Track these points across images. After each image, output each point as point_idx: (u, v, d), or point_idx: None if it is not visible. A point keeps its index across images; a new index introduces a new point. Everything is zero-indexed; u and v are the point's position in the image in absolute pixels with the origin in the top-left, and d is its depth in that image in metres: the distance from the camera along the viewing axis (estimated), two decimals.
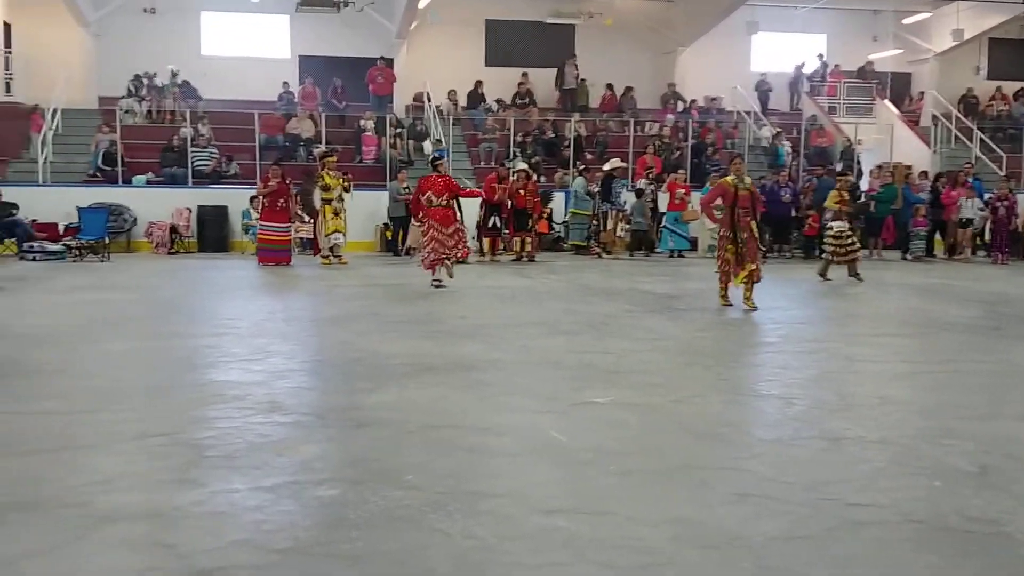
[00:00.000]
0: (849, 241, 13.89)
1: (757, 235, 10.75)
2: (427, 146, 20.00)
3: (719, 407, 6.02)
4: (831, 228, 14.20)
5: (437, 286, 12.24)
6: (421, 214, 12.65)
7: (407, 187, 17.85)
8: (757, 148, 23.06)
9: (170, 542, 3.64)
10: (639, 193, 18.59)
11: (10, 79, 21.68)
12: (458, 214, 12.61)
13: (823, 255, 14.44)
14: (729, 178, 10.64)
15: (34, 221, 17.32)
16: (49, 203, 17.70)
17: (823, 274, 13.84)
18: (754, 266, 10.41)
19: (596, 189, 18.04)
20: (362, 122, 21.00)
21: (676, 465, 4.73)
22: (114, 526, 3.81)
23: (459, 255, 12.72)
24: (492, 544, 3.67)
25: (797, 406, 6.04)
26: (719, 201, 10.72)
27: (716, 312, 10.86)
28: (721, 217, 10.65)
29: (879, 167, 20.28)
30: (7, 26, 22.40)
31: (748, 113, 23.43)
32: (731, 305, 10.57)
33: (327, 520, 3.92)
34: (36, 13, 22.39)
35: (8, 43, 22.41)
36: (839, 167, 20.39)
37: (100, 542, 3.64)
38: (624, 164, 19.19)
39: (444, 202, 12.36)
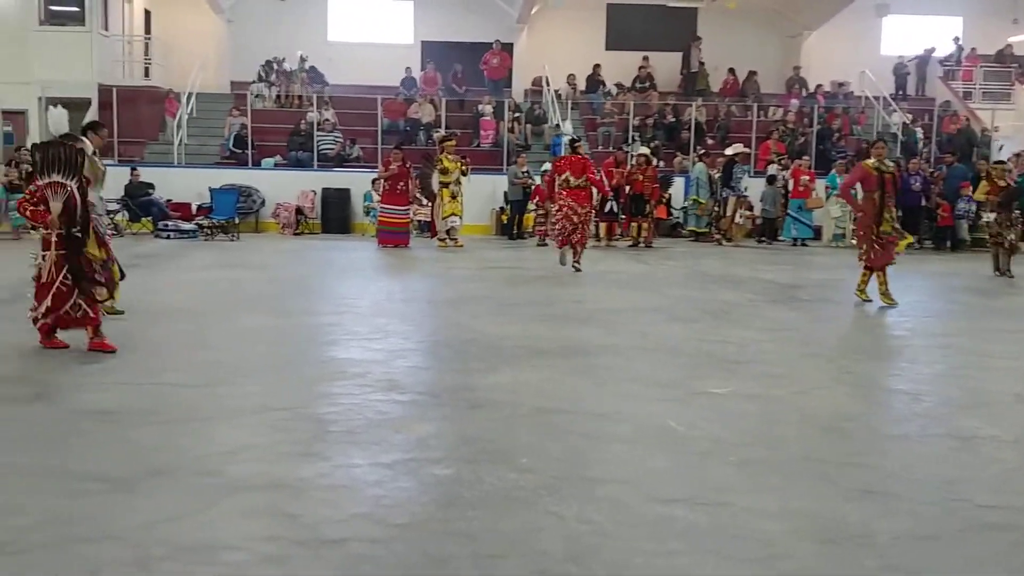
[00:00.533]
0: (1006, 233, 12.86)
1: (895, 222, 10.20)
2: (567, 127, 19.94)
3: (842, 400, 5.85)
4: (985, 220, 13.45)
5: (577, 270, 12.51)
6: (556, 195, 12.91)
7: (526, 171, 17.91)
8: (886, 134, 22.24)
9: (294, 512, 3.76)
10: (770, 180, 18.20)
11: (149, 64, 22.58)
12: (593, 196, 13.08)
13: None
14: (870, 161, 10.04)
15: (169, 201, 18.04)
16: (183, 184, 18.40)
17: (998, 269, 12.91)
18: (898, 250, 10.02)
19: (717, 175, 17.73)
20: (480, 107, 21.13)
21: (797, 457, 4.62)
22: (242, 495, 3.95)
23: (578, 239, 12.78)
24: (607, 530, 3.66)
25: (925, 402, 5.82)
26: (859, 186, 10.26)
27: (840, 303, 10.55)
28: (863, 203, 10.12)
29: (1017, 155, 19.30)
30: (147, 13, 23.34)
31: (877, 98, 22.61)
32: (869, 300, 9.93)
33: (443, 498, 3.97)
34: (174, 1, 23.27)
35: (148, 29, 23.35)
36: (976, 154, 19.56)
37: (229, 510, 3.79)
38: (746, 150, 18.79)
39: (582, 183, 12.66)
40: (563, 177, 12.74)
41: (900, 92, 24.05)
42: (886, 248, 9.92)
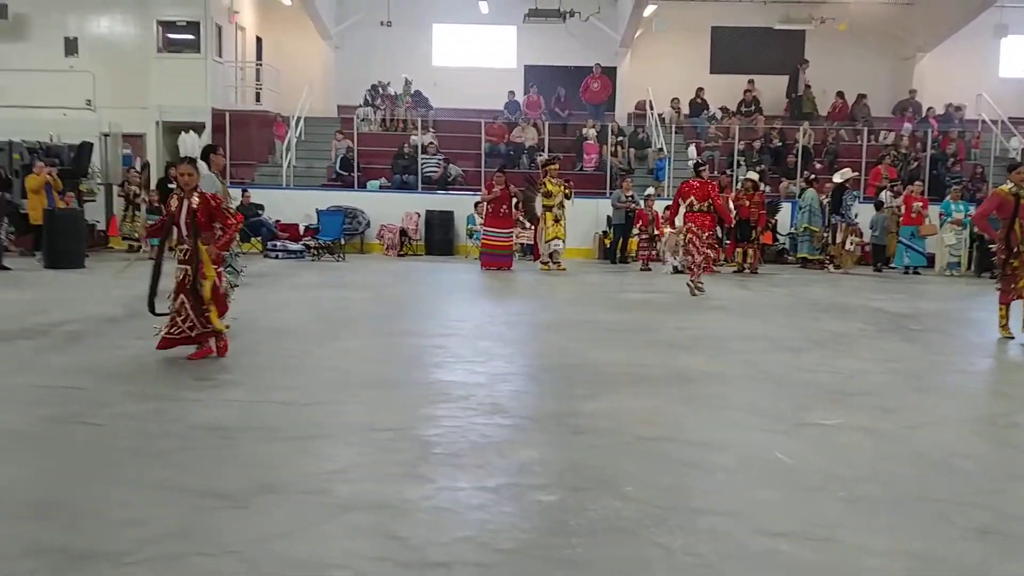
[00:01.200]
0: None
1: None
2: (691, 151, 19.89)
3: (959, 437, 5.64)
4: None
5: (699, 291, 12.64)
6: (683, 219, 13.16)
7: (631, 195, 17.87)
8: (1004, 159, 21.46)
9: (401, 534, 3.80)
10: (878, 205, 17.80)
11: (260, 89, 23.35)
12: (718, 223, 13.32)
13: None
14: (1007, 187, 9.43)
15: (278, 221, 18.57)
16: (291, 205, 18.96)
17: None
18: None
19: (827, 200, 17.37)
20: (584, 130, 21.18)
21: (910, 495, 4.47)
22: (350, 514, 4.02)
23: (704, 265, 12.99)
24: (713, 562, 3.60)
25: None
26: (995, 214, 9.58)
27: (955, 335, 10.21)
28: (1000, 232, 9.47)
29: None
30: (259, 40, 24.16)
31: (995, 122, 21.85)
32: (1012, 338, 9.29)
33: (548, 525, 3.97)
34: (284, 27, 24.04)
35: (259, 56, 24.16)
36: None
37: (338, 528, 3.86)
38: (855, 175, 18.39)
39: (704, 207, 12.84)
40: (687, 202, 12.95)
41: None
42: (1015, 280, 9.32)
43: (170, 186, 8.97)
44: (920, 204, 17.44)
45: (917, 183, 18.32)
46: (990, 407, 6.45)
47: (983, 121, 22.34)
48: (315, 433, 5.33)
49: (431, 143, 20.58)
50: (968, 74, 23.45)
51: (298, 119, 21.10)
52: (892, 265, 17.67)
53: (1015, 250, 9.30)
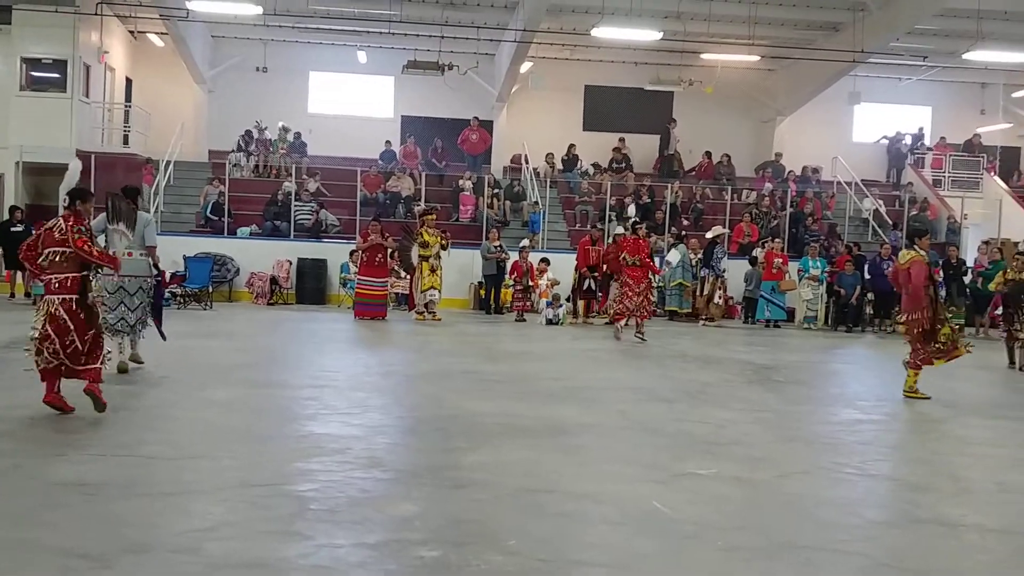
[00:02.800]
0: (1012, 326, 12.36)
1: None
2: (631, 210, 20.24)
3: (826, 485, 5.83)
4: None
5: (641, 339, 13.64)
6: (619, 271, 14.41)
7: (499, 245, 18.02)
8: (857, 219, 22.65)
9: None
10: (752, 261, 18.50)
11: (128, 131, 22.67)
12: (650, 276, 14.56)
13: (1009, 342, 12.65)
14: (921, 254, 9.37)
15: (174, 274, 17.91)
16: (158, 251, 18.29)
17: (1013, 362, 12.40)
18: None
19: (696, 257, 17.93)
20: (461, 181, 21.32)
21: (782, 544, 4.58)
22: (222, 574, 3.85)
23: (642, 315, 14.00)
24: None
25: (909, 488, 5.81)
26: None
27: (815, 386, 10.62)
28: (924, 298, 9.33)
29: (987, 243, 19.69)
30: (128, 81, 23.51)
31: (849, 184, 23.06)
32: (928, 398, 9.26)
33: None
34: (155, 69, 23.48)
35: (128, 97, 23.49)
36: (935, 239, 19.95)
37: None
38: (727, 231, 19.09)
39: (636, 261, 14.00)
40: (622, 256, 14.19)
41: (893, 171, 24.72)
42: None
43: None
44: (780, 260, 18.16)
45: (777, 240, 19.10)
46: (852, 455, 6.68)
47: (838, 182, 23.55)
48: (184, 489, 5.11)
49: (307, 190, 20.35)
50: (824, 138, 24.72)
51: (168, 163, 20.54)
52: (756, 318, 18.31)
53: (940, 316, 9.37)
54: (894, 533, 4.89)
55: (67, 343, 6.78)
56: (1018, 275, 12.61)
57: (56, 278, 6.88)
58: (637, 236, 14.46)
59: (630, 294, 13.88)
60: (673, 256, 18.28)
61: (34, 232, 7.43)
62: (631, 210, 20.34)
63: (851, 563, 4.32)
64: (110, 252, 7.45)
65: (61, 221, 6.93)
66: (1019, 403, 9.79)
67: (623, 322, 13.94)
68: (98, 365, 6.95)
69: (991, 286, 13.10)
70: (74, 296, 6.88)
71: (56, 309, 6.81)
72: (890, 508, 5.40)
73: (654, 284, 15.55)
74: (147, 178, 20.22)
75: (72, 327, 6.80)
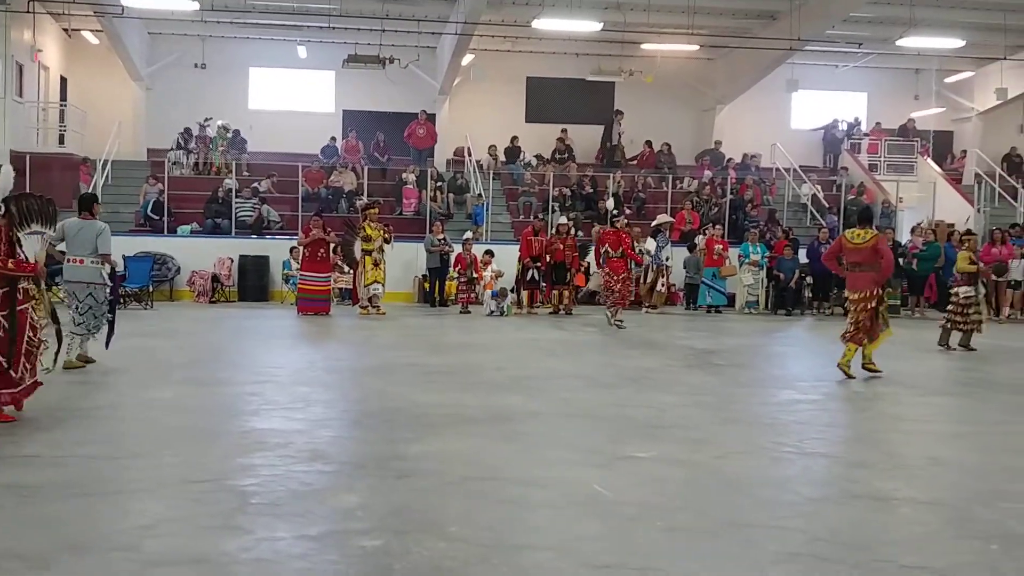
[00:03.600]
0: (973, 310, 12.39)
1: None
2: (611, 203, 20.25)
3: (764, 464, 5.94)
4: (957, 294, 12.49)
5: (620, 327, 14.22)
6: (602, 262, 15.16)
7: (443, 238, 18.00)
8: (796, 205, 23.01)
9: None
10: (692, 248, 18.71)
11: (63, 131, 22.22)
12: (630, 265, 15.40)
13: (944, 323, 12.72)
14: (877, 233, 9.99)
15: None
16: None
17: (945, 343, 12.47)
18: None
19: (644, 245, 18.07)
20: (404, 175, 21.24)
21: (723, 523, 4.66)
22: (162, 570, 3.82)
23: (623, 303, 14.77)
24: None
25: (845, 465, 5.95)
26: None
27: (755, 368, 10.79)
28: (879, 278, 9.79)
29: (920, 225, 20.14)
30: (63, 80, 23.04)
31: (787, 170, 23.42)
32: (853, 378, 9.54)
33: (372, 571, 3.90)
34: (91, 67, 23.06)
35: (64, 96, 23.03)
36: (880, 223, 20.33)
37: None
38: (671, 219, 19.27)
39: (618, 254, 14.75)
40: (604, 248, 14.91)
41: (829, 157, 25.18)
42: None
43: None
44: (721, 247, 18.40)
45: (717, 227, 19.34)
46: (789, 434, 6.82)
47: (777, 169, 23.89)
48: (123, 488, 5.05)
49: (252, 186, 20.14)
50: (763, 125, 25.06)
51: (105, 162, 20.18)
52: (697, 304, 18.53)
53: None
54: (831, 508, 5.00)
55: None
56: (971, 257, 12.68)
57: None
58: (616, 228, 15.30)
59: (612, 284, 14.68)
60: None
61: None
62: (610, 203, 20.38)
63: (790, 539, 4.41)
64: (26, 257, 6.99)
65: None
66: (952, 380, 10.05)
67: (615, 311, 14.58)
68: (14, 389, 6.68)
69: (961, 267, 12.73)
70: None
71: None
72: (827, 485, 5.52)
73: (633, 274, 16.31)
74: (84, 178, 19.86)
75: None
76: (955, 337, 12.51)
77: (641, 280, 18.11)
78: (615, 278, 14.72)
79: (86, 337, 9.35)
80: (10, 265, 6.70)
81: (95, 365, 9.23)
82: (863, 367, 9.69)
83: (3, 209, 6.92)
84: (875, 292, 9.67)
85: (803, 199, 22.83)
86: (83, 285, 9.24)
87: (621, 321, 14.46)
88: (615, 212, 15.77)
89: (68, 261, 9.27)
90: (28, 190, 17.78)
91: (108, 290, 9.53)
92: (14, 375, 6.66)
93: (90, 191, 18.91)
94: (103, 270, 9.36)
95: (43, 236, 7.27)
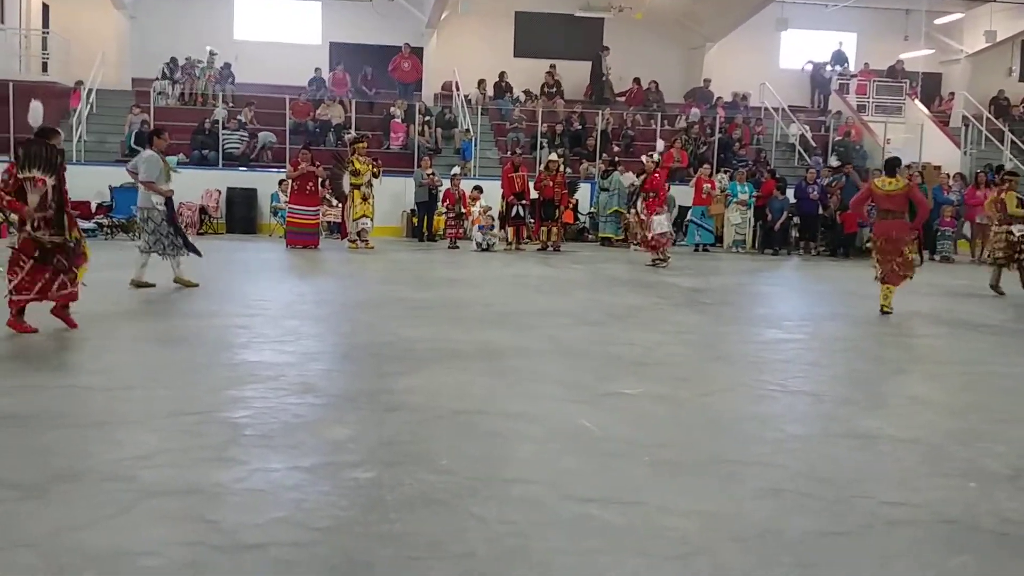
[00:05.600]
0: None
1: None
2: (660, 146, 19.96)
3: (748, 402, 6.03)
4: (1011, 233, 12.32)
5: (659, 263, 14.49)
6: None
7: (431, 172, 17.94)
8: (784, 144, 22.98)
9: (212, 518, 3.71)
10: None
11: (47, 59, 21.86)
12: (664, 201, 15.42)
13: (994, 262, 12.72)
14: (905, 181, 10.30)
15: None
16: (82, 181, 17.77)
17: (995, 285, 12.44)
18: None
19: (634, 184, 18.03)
20: (392, 109, 21.07)
21: (706, 458, 4.75)
22: (157, 500, 3.88)
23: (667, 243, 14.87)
24: (527, 530, 3.72)
25: (827, 403, 6.05)
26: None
27: (742, 307, 10.88)
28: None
29: (908, 167, 20.14)
30: (45, 7, 22.61)
31: (776, 109, 23.34)
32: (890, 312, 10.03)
33: (364, 501, 3.97)
34: None
35: (46, 23, 22.61)
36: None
37: (144, 515, 3.72)
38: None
39: (653, 195, 14.83)
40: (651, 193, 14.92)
41: (818, 94, 25.07)
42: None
43: None
44: (709, 185, 18.40)
45: (706, 166, 19.32)
46: (773, 373, 6.92)
47: (765, 109, 23.81)
48: (116, 419, 5.10)
49: (237, 119, 19.93)
50: (752, 64, 24.91)
51: (89, 91, 19.90)
52: (683, 243, 18.58)
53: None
54: (812, 445, 5.10)
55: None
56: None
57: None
58: (656, 169, 15.19)
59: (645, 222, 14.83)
60: (611, 183, 18.40)
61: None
62: (660, 145, 20.12)
63: (772, 475, 4.50)
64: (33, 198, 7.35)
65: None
66: (933, 320, 10.16)
67: (658, 251, 14.64)
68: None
69: (1013, 211, 12.43)
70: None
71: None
72: (808, 422, 5.62)
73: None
74: (75, 102, 19.62)
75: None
76: (995, 275, 12.56)
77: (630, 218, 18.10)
78: (643, 220, 14.90)
79: (172, 261, 10.39)
80: (4, 202, 7.29)
81: (83, 299, 9.20)
82: (881, 307, 10.07)
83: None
84: (911, 236, 10.23)
85: (791, 139, 22.79)
86: (139, 210, 10.47)
87: (659, 259, 14.53)
88: (657, 155, 15.85)
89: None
90: (12, 118, 17.66)
91: (164, 214, 10.30)
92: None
93: (74, 120, 18.74)
94: (152, 195, 10.26)
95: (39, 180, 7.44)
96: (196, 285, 10.37)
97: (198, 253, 10.66)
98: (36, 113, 8.88)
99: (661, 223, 14.74)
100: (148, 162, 10.33)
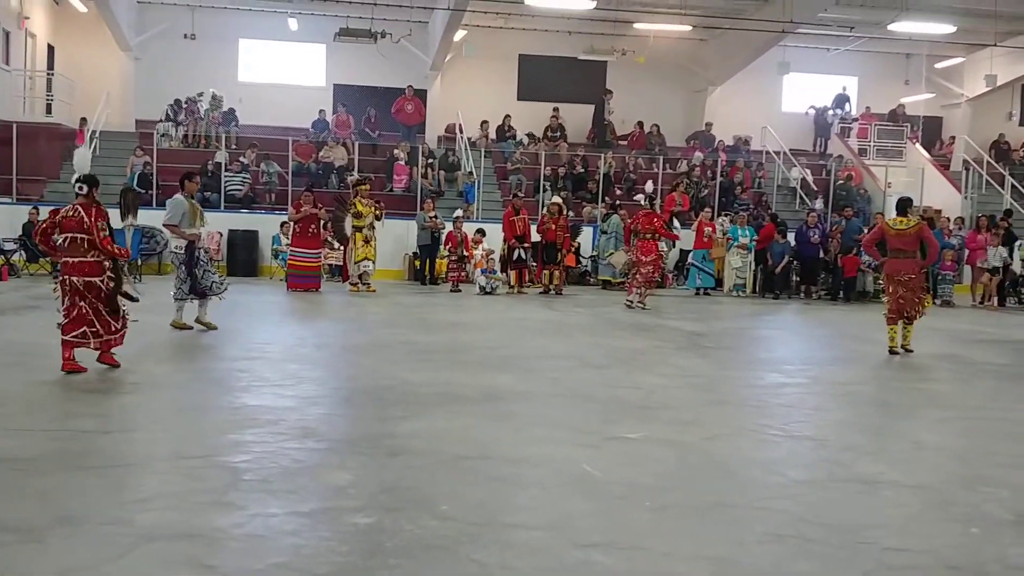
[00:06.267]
0: None
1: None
2: (648, 187, 20.07)
3: (751, 446, 6.01)
4: None
5: (629, 306, 14.39)
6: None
7: (434, 215, 17.99)
8: (785, 188, 23.07)
9: (211, 563, 3.69)
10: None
11: (51, 100, 22.06)
12: (660, 246, 15.24)
13: None
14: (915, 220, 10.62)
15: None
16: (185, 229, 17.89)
17: None
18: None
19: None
20: (395, 151, 21.19)
21: (710, 503, 4.73)
22: (155, 544, 3.86)
23: (650, 283, 14.87)
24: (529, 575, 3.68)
25: (830, 448, 6.02)
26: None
27: (742, 351, 10.87)
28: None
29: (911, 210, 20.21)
30: (51, 48, 22.85)
31: (778, 153, 23.46)
32: (899, 353, 10.39)
33: (364, 547, 3.94)
34: (79, 36, 22.85)
35: (51, 65, 22.84)
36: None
37: (143, 559, 3.70)
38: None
39: (649, 235, 14.76)
40: (635, 227, 15.11)
41: (820, 139, 25.24)
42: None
43: None
44: (711, 229, 18.45)
45: (707, 209, 19.38)
46: (777, 417, 6.89)
47: (767, 152, 23.93)
48: (116, 462, 5.09)
49: (239, 160, 20.04)
50: (754, 107, 25.09)
51: (93, 132, 20.04)
52: (684, 286, 18.59)
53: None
54: (815, 490, 5.07)
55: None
56: None
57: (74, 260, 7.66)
58: (652, 210, 15.44)
59: (640, 263, 14.71)
60: (609, 226, 18.46)
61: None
62: (648, 186, 20.26)
63: (775, 519, 4.48)
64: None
65: (82, 211, 7.68)
66: (939, 368, 10.14)
67: (635, 292, 14.71)
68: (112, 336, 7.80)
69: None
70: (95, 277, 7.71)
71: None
72: (812, 467, 5.59)
73: (664, 255, 16.30)
74: (80, 139, 19.75)
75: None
76: None
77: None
78: (644, 259, 14.73)
79: (181, 303, 10.48)
80: (116, 248, 7.94)
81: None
82: (902, 346, 10.41)
83: (86, 189, 7.85)
84: (921, 276, 10.51)
85: (792, 183, 22.90)
86: (171, 254, 10.81)
87: (644, 303, 14.50)
88: (651, 196, 16.38)
89: None
90: (15, 160, 17.80)
91: (183, 258, 10.46)
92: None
93: (77, 161, 18.81)
94: (175, 240, 10.53)
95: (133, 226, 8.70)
96: (215, 328, 10.40)
97: (205, 296, 10.67)
98: (83, 160, 9.48)
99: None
100: (172, 205, 10.48)
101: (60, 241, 7.66)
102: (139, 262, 17.13)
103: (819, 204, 21.16)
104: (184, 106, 21.71)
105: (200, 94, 21.68)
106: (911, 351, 10.40)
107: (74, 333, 7.54)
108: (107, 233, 7.79)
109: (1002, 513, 4.70)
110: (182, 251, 10.45)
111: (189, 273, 10.45)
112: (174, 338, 9.96)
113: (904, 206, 10.65)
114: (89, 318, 7.59)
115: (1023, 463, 5.84)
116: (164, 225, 10.57)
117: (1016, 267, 18.38)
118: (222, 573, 3.60)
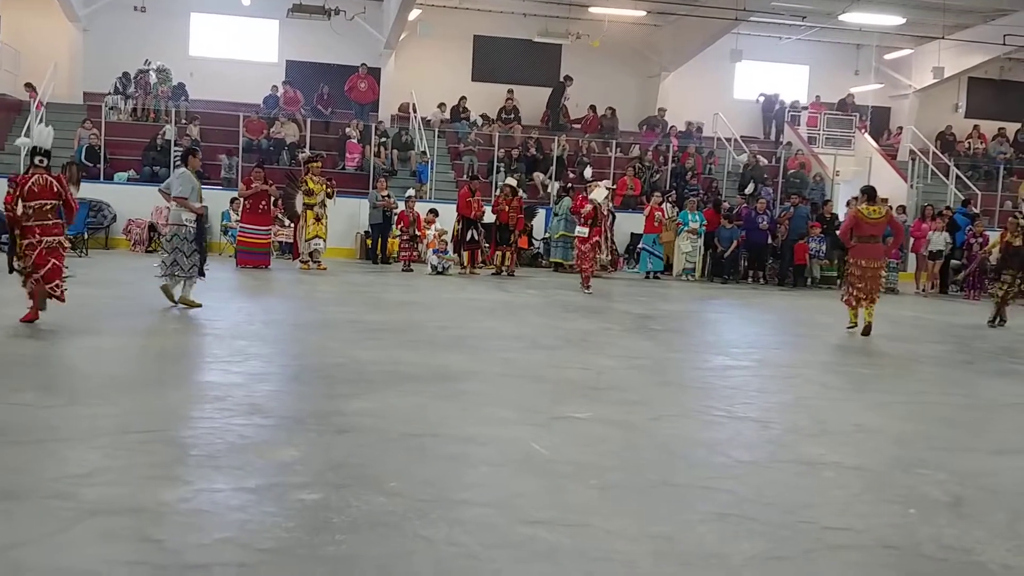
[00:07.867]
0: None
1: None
2: (588, 172, 19.94)
3: (696, 427, 6.10)
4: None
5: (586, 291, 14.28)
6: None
7: (387, 194, 17.88)
8: (735, 174, 23.28)
9: (156, 537, 3.66)
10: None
11: None
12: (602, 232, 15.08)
13: (997, 297, 13.02)
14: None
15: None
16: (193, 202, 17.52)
17: (999, 318, 12.81)
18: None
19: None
20: (347, 129, 21.02)
21: (655, 482, 4.79)
22: (100, 519, 3.82)
23: (585, 267, 14.57)
24: (475, 552, 3.72)
25: (773, 430, 6.13)
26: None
27: (690, 334, 10.99)
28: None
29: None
30: None
31: (728, 140, 23.67)
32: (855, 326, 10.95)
33: (310, 523, 3.94)
34: (25, 5, 22.26)
35: None
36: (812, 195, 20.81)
37: (87, 533, 3.66)
38: (613, 187, 19.28)
39: (590, 222, 14.50)
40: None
41: (771, 128, 25.49)
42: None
43: None
44: (661, 214, 18.57)
45: (657, 194, 19.51)
46: (722, 399, 6.99)
47: (718, 138, 24.13)
48: (58, 436, 5.02)
49: (188, 136, 19.71)
50: (707, 94, 25.23)
51: (40, 104, 19.59)
52: (635, 270, 18.73)
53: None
54: (758, 471, 5.16)
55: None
56: (1013, 240, 13.03)
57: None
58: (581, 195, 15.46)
59: (582, 250, 14.64)
60: (560, 208, 18.50)
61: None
62: (588, 172, 20.04)
63: (718, 499, 4.55)
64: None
65: (51, 178, 8.60)
66: (881, 353, 10.34)
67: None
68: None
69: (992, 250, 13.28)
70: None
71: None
72: (755, 448, 5.68)
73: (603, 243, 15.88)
74: (38, 107, 19.26)
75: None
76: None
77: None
78: (580, 248, 14.75)
79: (174, 279, 10.22)
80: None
81: (22, 309, 9.05)
82: (866, 326, 10.72)
83: (46, 162, 8.73)
84: (884, 261, 11.36)
85: (741, 168, 23.10)
86: (168, 227, 10.64)
87: (587, 288, 14.37)
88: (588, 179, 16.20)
89: None
90: None
91: (193, 232, 10.28)
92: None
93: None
94: (182, 212, 10.27)
95: None
96: (199, 305, 10.18)
97: (203, 275, 10.49)
98: (46, 137, 9.19)
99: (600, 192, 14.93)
100: (182, 179, 10.38)
101: (28, 210, 8.38)
102: (85, 235, 16.81)
103: (750, 189, 21.33)
104: (134, 79, 21.29)
105: (147, 61, 21.27)
106: (868, 335, 10.64)
107: (50, 284, 8.44)
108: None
109: (939, 495, 4.82)
110: (192, 224, 10.27)
111: (199, 247, 10.34)
112: (117, 313, 9.81)
113: (873, 193, 11.13)
114: (60, 272, 8.47)
115: (960, 447, 6.00)
116: (174, 198, 10.30)
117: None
118: (166, 547, 3.58)
